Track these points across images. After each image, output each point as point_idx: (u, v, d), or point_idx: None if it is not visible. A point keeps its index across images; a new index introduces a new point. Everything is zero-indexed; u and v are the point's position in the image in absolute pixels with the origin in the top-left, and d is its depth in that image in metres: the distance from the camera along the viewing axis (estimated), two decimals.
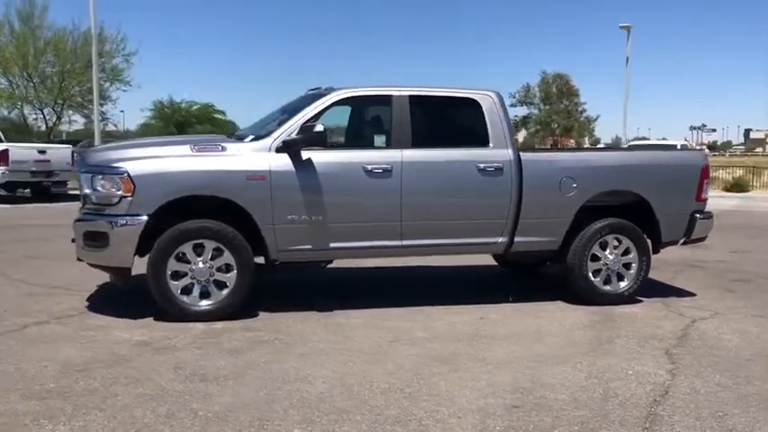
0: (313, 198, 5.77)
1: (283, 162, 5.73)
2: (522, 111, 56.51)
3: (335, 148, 5.89)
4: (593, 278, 6.54)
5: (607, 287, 6.58)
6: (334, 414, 3.82)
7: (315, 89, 6.98)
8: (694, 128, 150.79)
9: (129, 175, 5.41)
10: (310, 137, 5.59)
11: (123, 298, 6.36)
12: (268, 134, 5.87)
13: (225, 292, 5.67)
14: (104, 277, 6.85)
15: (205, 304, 5.64)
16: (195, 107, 49.89)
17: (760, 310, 6.48)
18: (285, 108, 6.91)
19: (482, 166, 6.15)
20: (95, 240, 5.54)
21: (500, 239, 6.32)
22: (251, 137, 5.99)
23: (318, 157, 5.78)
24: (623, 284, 6.61)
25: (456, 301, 6.50)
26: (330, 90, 6.25)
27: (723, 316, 6.22)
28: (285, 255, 5.86)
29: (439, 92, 6.34)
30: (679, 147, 21.81)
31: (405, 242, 6.10)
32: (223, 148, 5.73)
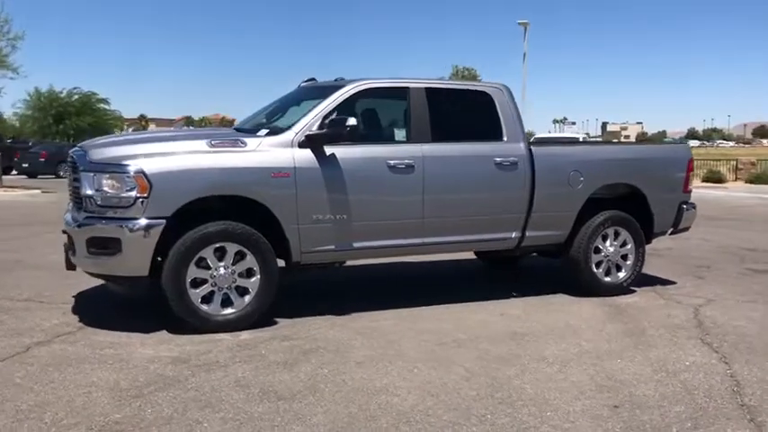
0: (337, 196, 5.45)
1: (307, 158, 5.37)
2: None
3: (356, 142, 5.55)
4: (595, 270, 6.62)
5: (608, 278, 6.70)
6: (449, 428, 3.61)
7: (310, 80, 6.64)
8: (557, 121, 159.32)
9: (144, 173, 4.87)
10: (340, 131, 5.26)
11: (112, 309, 5.85)
12: (287, 128, 5.47)
13: (247, 298, 5.25)
14: (71, 285, 6.35)
15: (228, 313, 5.20)
16: (75, 97, 46.60)
17: (744, 295, 6.81)
18: (285, 101, 6.53)
19: (498, 160, 6.07)
20: (104, 247, 4.95)
21: (514, 234, 6.27)
22: (265, 131, 5.57)
23: (341, 152, 5.46)
24: (621, 275, 6.76)
25: (464, 297, 6.39)
26: (343, 81, 5.94)
27: (717, 303, 6.47)
28: (308, 256, 5.51)
29: (453, 85, 6.24)
30: (581, 139, 22.83)
31: (426, 240, 5.92)
32: (243, 143, 5.28)
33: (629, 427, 3.65)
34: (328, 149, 5.42)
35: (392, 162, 5.64)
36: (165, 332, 5.15)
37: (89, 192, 5.00)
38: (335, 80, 6.17)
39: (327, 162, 5.41)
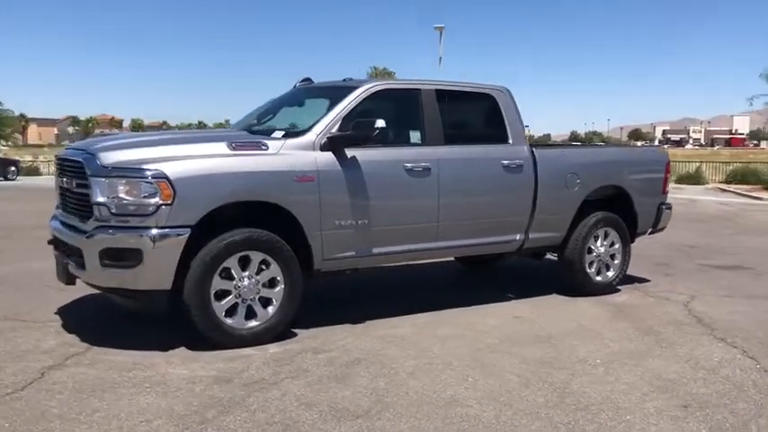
0: (359, 200, 5.27)
1: (330, 161, 5.15)
2: None
3: (374, 144, 5.36)
4: (588, 270, 6.75)
5: (599, 278, 6.85)
6: None
7: (305, 80, 6.40)
8: None
9: (167, 178, 4.50)
10: (368, 133, 5.08)
11: (107, 325, 5.44)
12: (306, 130, 5.22)
13: (271, 309, 4.97)
14: (46, 300, 5.99)
15: (252, 326, 4.90)
16: None
17: (718, 290, 7.13)
18: (282, 102, 6.26)
19: (506, 162, 6.06)
20: (122, 259, 4.54)
21: (518, 236, 6.29)
22: (281, 133, 5.29)
23: (361, 154, 5.28)
24: (610, 274, 6.93)
25: (464, 301, 6.34)
26: (354, 82, 5.75)
27: (699, 299, 6.74)
28: (329, 263, 5.28)
29: (459, 86, 6.12)
30: None
31: (439, 244, 5.83)
32: (265, 146, 4.99)
33: (712, 428, 3.70)
34: (349, 152, 5.22)
35: (409, 165, 5.51)
36: (183, 349, 4.79)
37: (101, 199, 4.56)
38: (343, 80, 5.96)
39: (349, 165, 5.21)
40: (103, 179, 4.55)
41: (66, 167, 5.03)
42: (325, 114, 5.30)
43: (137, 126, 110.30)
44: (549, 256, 7.20)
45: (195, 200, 4.60)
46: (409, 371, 4.46)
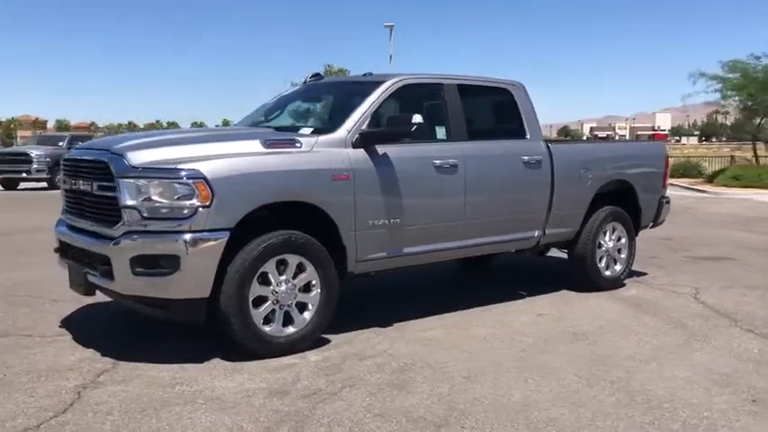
0: (391, 198, 5.08)
1: (363, 158, 4.95)
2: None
3: (402, 141, 5.18)
4: (598, 265, 6.75)
5: (608, 272, 6.84)
6: None
7: (315, 76, 6.16)
8: None
9: (205, 178, 4.21)
10: (405, 129, 4.89)
11: (121, 336, 5.13)
12: (337, 126, 5.00)
13: (307, 315, 4.73)
14: (43, 312, 5.66)
15: (290, 333, 4.65)
16: None
17: (717, 282, 7.23)
18: (294, 98, 5.99)
19: (526, 158, 5.98)
20: (156, 266, 4.22)
21: (536, 233, 6.22)
22: (309, 129, 5.06)
23: (391, 151, 5.09)
24: (618, 269, 6.94)
25: (481, 299, 6.22)
26: (378, 76, 5.56)
27: (705, 291, 6.81)
28: (362, 266, 5.08)
29: (478, 81, 5.99)
30: None
31: (464, 242, 5.69)
32: (299, 143, 4.75)
33: None
34: (380, 149, 5.03)
35: (438, 162, 5.35)
36: (218, 360, 4.51)
37: (130, 202, 4.23)
38: (364, 75, 5.75)
39: (381, 162, 5.02)
40: (133, 180, 4.22)
41: (82, 169, 4.65)
42: (354, 110, 5.08)
43: (63, 127, 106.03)
44: (548, 253, 7.19)
45: (234, 201, 4.32)
46: (465, 375, 4.31)
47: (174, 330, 5.03)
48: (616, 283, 6.86)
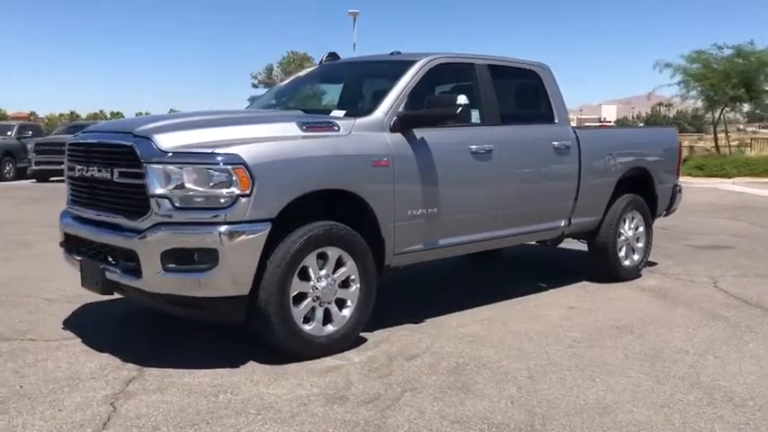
0: (429, 187, 4.75)
1: (401, 143, 4.61)
2: (260, 92, 51.97)
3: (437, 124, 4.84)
4: (619, 254, 6.56)
5: (627, 262, 6.66)
6: None
7: (331, 55, 5.78)
8: None
9: (245, 164, 3.80)
10: (450, 111, 4.55)
11: (136, 338, 4.69)
12: (372, 108, 4.64)
13: (346, 312, 4.38)
14: (38, 312, 5.21)
15: (330, 332, 4.28)
16: None
17: (728, 271, 7.12)
18: (311, 79, 5.60)
19: (556, 144, 5.72)
20: (191, 262, 3.80)
21: (563, 222, 5.97)
22: (341, 111, 4.69)
23: (428, 135, 4.76)
24: (636, 258, 6.75)
25: (507, 293, 5.95)
26: (408, 55, 5.21)
27: (722, 280, 6.68)
28: (398, 258, 4.74)
29: (506, 62, 5.68)
30: None
31: (496, 233, 5.40)
32: (337, 127, 4.37)
33: None
34: (418, 133, 4.69)
35: (474, 147, 5.04)
36: (254, 363, 4.12)
37: (160, 190, 3.80)
38: (391, 53, 5.38)
39: (419, 148, 4.68)
40: (163, 166, 3.78)
41: (98, 154, 4.18)
42: (389, 91, 4.72)
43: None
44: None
45: (276, 189, 3.93)
46: (526, 374, 4.02)
47: (190, 328, 4.62)
48: (635, 273, 6.68)
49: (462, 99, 4.49)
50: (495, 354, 4.37)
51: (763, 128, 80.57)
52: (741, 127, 60.25)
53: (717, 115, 25.80)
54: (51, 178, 20.33)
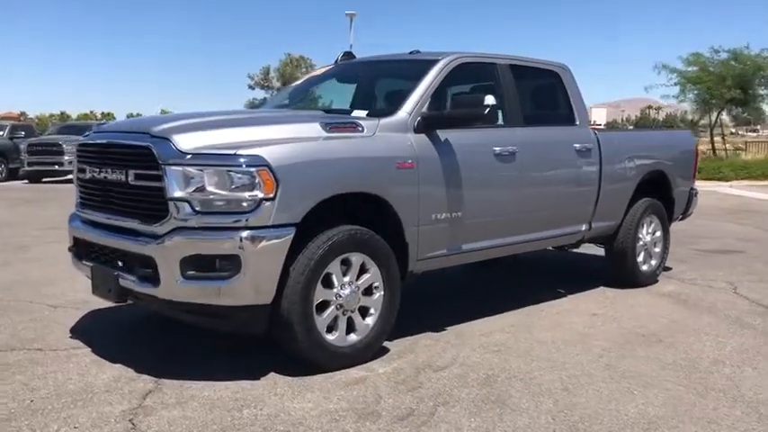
0: (453, 190, 4.58)
1: (426, 144, 4.44)
2: (261, 94, 51.73)
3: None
4: (637, 259, 6.41)
5: (645, 267, 6.51)
6: None
7: (347, 54, 5.60)
8: None
9: (269, 166, 3.61)
10: (477, 112, 4.38)
11: (147, 347, 4.47)
12: (395, 108, 4.47)
13: (369, 321, 4.20)
14: (41, 320, 4.97)
15: (353, 341, 4.10)
16: None
17: (745, 276, 7.00)
18: (319, 80, 5.41)
19: (578, 146, 5.57)
20: (212, 269, 3.61)
21: (583, 227, 5.81)
22: (363, 112, 4.51)
23: (452, 137, 4.59)
24: (653, 263, 6.61)
25: (525, 299, 5.78)
26: (429, 54, 5.04)
27: (741, 286, 6.54)
28: (421, 264, 4.57)
29: (526, 62, 5.52)
30: None
31: (519, 238, 5.24)
32: (361, 128, 4.19)
33: None
34: (442, 134, 4.51)
35: (498, 149, 4.87)
36: (275, 374, 3.94)
37: (179, 193, 3.60)
38: (410, 53, 5.21)
39: (443, 149, 4.51)
40: (183, 168, 3.59)
41: (112, 155, 3.98)
42: (412, 91, 4.55)
43: None
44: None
45: (301, 192, 3.74)
46: (560, 386, 3.85)
47: (203, 336, 4.44)
48: (652, 278, 6.54)
49: (489, 99, 4.32)
50: (524, 364, 4.20)
51: (751, 131, 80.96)
52: (733, 131, 60.38)
53: (713, 118, 25.80)
54: (44, 179, 20.04)
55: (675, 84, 23.53)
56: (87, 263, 4.21)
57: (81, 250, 4.33)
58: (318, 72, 5.58)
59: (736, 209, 14.02)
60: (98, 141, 4.12)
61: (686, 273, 7.15)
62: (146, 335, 4.77)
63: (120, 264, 3.93)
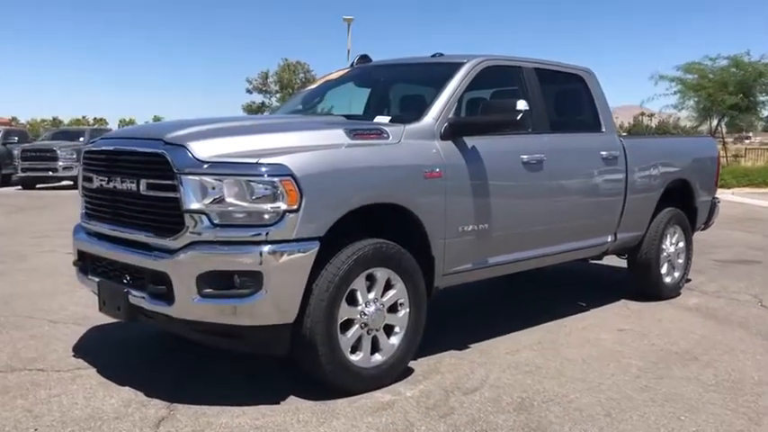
0: (480, 201, 4.34)
1: (453, 152, 4.20)
2: (259, 98, 52.06)
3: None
4: (661, 271, 6.19)
5: (668, 279, 6.28)
6: None
7: (362, 58, 5.37)
8: None
9: (293, 176, 3.36)
10: (510, 118, 4.14)
11: (156, 368, 4.19)
12: (420, 114, 4.22)
13: (394, 340, 3.94)
14: (39, 338, 4.70)
15: (378, 362, 3.85)
16: None
17: (766, 287, 6.77)
18: (335, 84, 5.17)
19: (604, 154, 5.34)
20: (231, 286, 3.35)
21: (609, 238, 5.58)
22: (386, 118, 4.27)
23: (477, 144, 4.35)
24: (676, 275, 6.38)
25: (547, 314, 5.54)
26: (452, 57, 4.81)
27: (764, 298, 6.33)
28: (446, 279, 4.32)
29: (552, 66, 5.29)
30: None
31: (546, 250, 5.00)
32: (387, 134, 3.95)
33: None
34: (469, 141, 4.27)
35: (526, 157, 4.64)
36: (294, 398, 3.69)
37: (196, 205, 3.34)
38: (432, 56, 4.97)
39: (471, 157, 4.27)
40: (200, 178, 3.33)
41: (122, 163, 3.71)
42: (438, 96, 4.31)
43: None
44: None
45: (326, 203, 3.50)
46: (602, 411, 3.62)
47: (213, 355, 4.19)
48: (675, 290, 6.32)
49: (522, 105, 4.08)
50: (558, 386, 3.96)
51: (744, 138, 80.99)
52: (728, 140, 60.43)
53: (713, 125, 25.69)
54: (38, 185, 19.70)
55: (675, 92, 23.41)
56: (93, 278, 3.95)
57: (87, 264, 4.05)
58: (334, 75, 5.32)
59: (742, 217, 13.82)
60: (106, 148, 3.85)
61: (706, 285, 6.92)
62: (153, 354, 4.50)
63: (129, 280, 3.66)
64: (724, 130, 26.50)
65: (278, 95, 50.09)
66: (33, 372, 4.03)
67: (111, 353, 4.42)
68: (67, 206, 14.17)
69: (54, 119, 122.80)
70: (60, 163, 19.17)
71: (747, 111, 24.06)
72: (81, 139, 21.00)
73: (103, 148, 3.89)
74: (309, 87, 5.38)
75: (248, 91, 49.90)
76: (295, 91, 50.63)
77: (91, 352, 4.41)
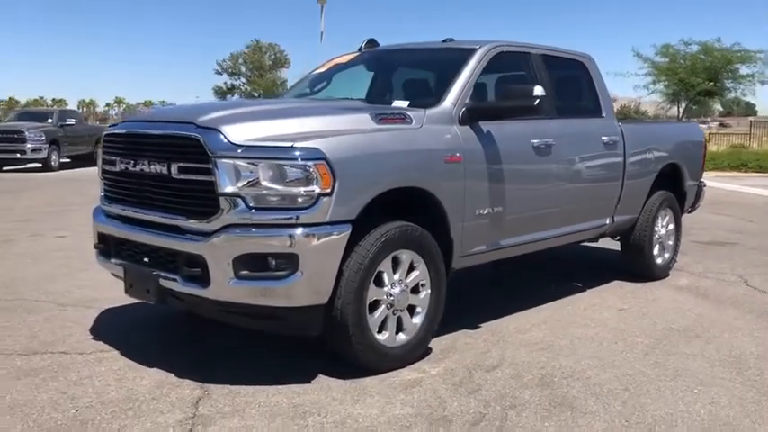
0: (495, 184, 4.46)
1: (470, 137, 4.30)
2: (228, 80, 51.67)
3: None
4: (653, 252, 6.40)
5: (659, 260, 6.50)
6: None
7: (370, 42, 5.42)
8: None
9: (327, 160, 3.43)
10: (527, 103, 4.25)
11: (180, 347, 4.24)
12: (438, 98, 4.31)
13: (417, 320, 4.05)
14: (52, 319, 4.72)
15: (403, 342, 3.96)
16: None
17: (750, 268, 7.02)
18: (343, 69, 5.22)
19: (605, 139, 5.49)
20: (267, 268, 3.41)
21: (607, 221, 5.75)
22: (404, 102, 4.34)
23: (494, 129, 4.46)
24: (666, 256, 6.60)
25: (549, 294, 5.71)
26: (465, 43, 4.90)
27: (751, 278, 6.56)
28: (463, 260, 4.44)
29: (555, 52, 5.41)
30: None
31: (551, 232, 5.15)
32: (410, 119, 4.03)
33: None
34: (484, 126, 4.38)
35: (536, 142, 4.76)
36: (324, 377, 3.77)
37: (231, 188, 3.39)
38: (444, 41, 5.05)
39: (486, 141, 4.38)
40: (233, 161, 3.38)
41: (151, 146, 3.72)
42: (454, 81, 4.40)
43: None
44: None
45: (357, 187, 3.57)
46: (620, 386, 3.77)
47: (230, 336, 4.26)
48: (665, 271, 6.54)
49: (539, 90, 4.19)
50: (574, 363, 4.11)
51: (702, 123, 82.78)
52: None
53: (682, 110, 26.24)
54: (5, 168, 19.28)
55: (646, 74, 23.83)
56: (117, 261, 3.95)
57: (109, 247, 4.06)
58: (343, 59, 5.36)
59: (712, 200, 14.12)
60: (134, 131, 3.86)
61: (692, 266, 7.16)
62: (171, 336, 4.54)
63: (158, 262, 3.69)
64: (684, 116, 27.09)
65: (248, 77, 49.82)
66: (57, 354, 4.05)
67: (129, 334, 4.45)
68: (43, 189, 13.95)
69: (10, 99, 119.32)
70: (29, 145, 18.78)
71: (712, 95, 24.61)
72: (49, 120, 20.58)
73: (130, 130, 3.89)
74: (318, 70, 5.39)
75: (217, 72, 49.75)
76: (266, 72, 50.40)
77: (109, 334, 4.42)
